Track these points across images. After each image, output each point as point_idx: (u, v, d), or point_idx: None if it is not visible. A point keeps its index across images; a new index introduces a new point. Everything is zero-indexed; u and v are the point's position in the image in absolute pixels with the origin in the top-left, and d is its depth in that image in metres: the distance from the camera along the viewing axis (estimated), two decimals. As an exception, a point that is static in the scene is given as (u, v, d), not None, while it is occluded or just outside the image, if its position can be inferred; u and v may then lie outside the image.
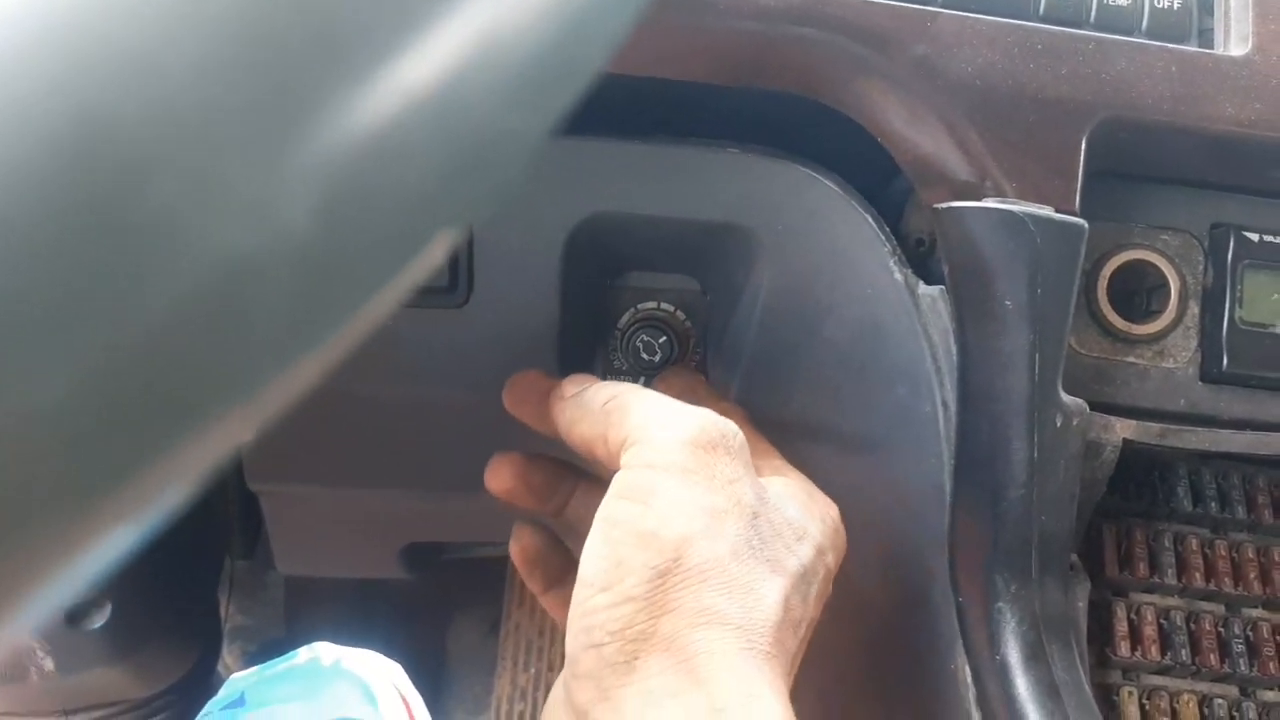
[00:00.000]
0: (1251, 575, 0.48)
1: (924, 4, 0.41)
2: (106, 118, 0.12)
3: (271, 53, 0.13)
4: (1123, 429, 0.44)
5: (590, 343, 0.52)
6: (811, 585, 0.36)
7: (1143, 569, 0.48)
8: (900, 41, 0.40)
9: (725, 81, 0.42)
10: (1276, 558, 0.49)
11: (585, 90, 0.17)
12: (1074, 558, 0.45)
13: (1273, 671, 0.46)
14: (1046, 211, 0.41)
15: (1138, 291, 0.46)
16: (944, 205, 0.42)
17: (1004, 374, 0.41)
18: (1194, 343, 0.46)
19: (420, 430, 0.55)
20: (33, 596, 0.15)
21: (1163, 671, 0.46)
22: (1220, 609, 0.48)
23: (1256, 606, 0.48)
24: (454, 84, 0.15)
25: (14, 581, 0.14)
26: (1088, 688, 0.42)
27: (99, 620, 0.64)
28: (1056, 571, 0.43)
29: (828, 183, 0.45)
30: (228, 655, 0.91)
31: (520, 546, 0.45)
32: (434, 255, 0.16)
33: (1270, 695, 0.47)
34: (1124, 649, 0.46)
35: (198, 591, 0.79)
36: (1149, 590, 0.48)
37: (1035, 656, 0.41)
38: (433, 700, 0.55)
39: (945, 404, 0.43)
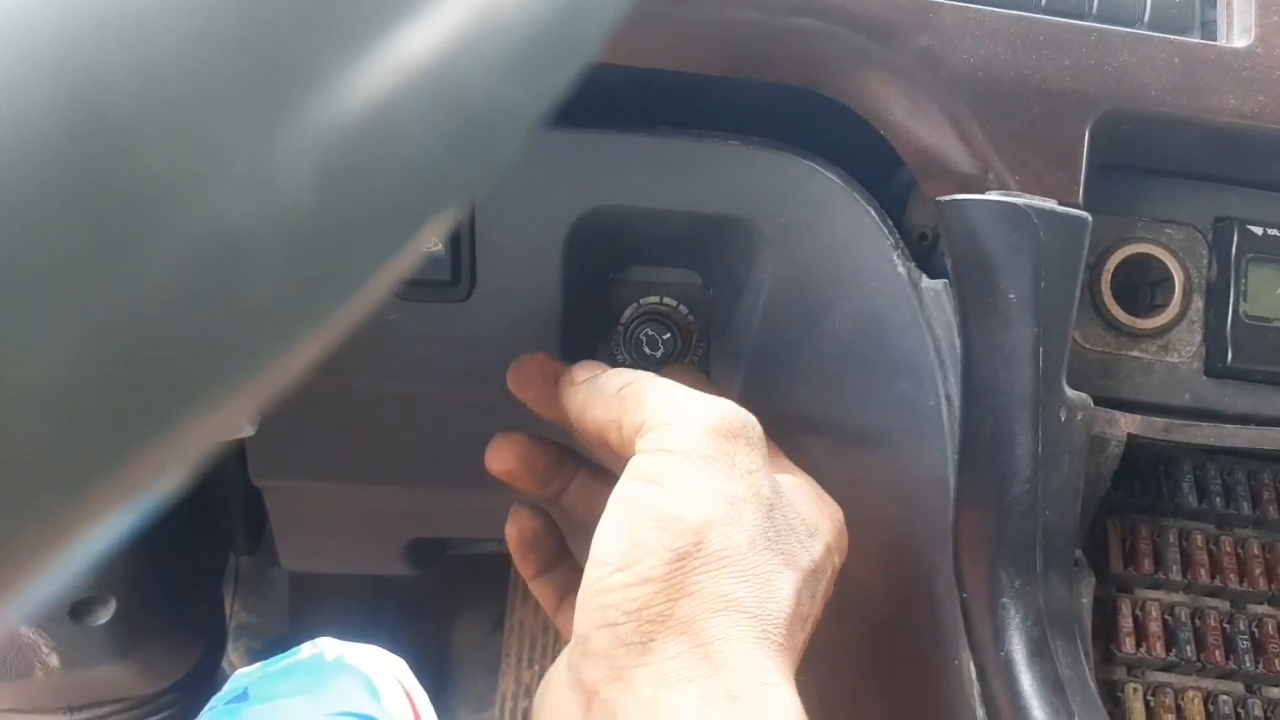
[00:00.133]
0: (1257, 571, 0.48)
1: (926, -4, 0.41)
2: (98, 85, 0.12)
3: (267, 21, 0.13)
4: (1127, 424, 0.44)
5: (593, 337, 0.52)
6: (820, 582, 0.36)
7: (1147, 565, 0.47)
8: (902, 33, 0.40)
9: (727, 73, 0.42)
10: (1282, 553, 0.49)
11: (585, 66, 0.17)
12: (1078, 553, 0.45)
13: (1278, 668, 0.46)
14: (1050, 204, 0.40)
15: (1141, 285, 0.46)
16: (946, 198, 0.42)
17: (1008, 368, 0.41)
18: (1198, 337, 0.46)
19: (423, 425, 0.55)
20: (29, 580, 0.15)
21: (1168, 668, 0.46)
22: (1225, 605, 0.48)
23: (1262, 603, 0.48)
24: (453, 55, 0.15)
25: (9, 564, 0.14)
26: (1092, 684, 0.41)
27: (104, 616, 0.64)
28: (1061, 567, 0.43)
29: (830, 176, 0.44)
30: (232, 652, 0.91)
31: (517, 528, 0.45)
32: (432, 232, 0.16)
33: (1276, 692, 0.46)
34: (1129, 645, 0.46)
35: (202, 588, 0.79)
36: (1154, 586, 0.48)
37: (1040, 652, 0.41)
38: (437, 697, 0.55)
39: (948, 398, 0.43)
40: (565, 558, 0.46)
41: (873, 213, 0.44)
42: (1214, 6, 0.44)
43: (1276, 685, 0.47)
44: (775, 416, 0.45)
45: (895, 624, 0.49)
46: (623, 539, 0.33)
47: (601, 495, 0.44)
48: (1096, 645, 0.45)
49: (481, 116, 0.15)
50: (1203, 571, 0.48)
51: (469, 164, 0.16)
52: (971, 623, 0.43)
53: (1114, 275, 0.45)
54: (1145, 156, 0.44)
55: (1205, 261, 0.46)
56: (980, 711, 0.42)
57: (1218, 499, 0.50)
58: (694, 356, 0.52)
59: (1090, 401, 0.42)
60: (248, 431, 0.47)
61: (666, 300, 0.52)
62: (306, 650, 0.52)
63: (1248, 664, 0.46)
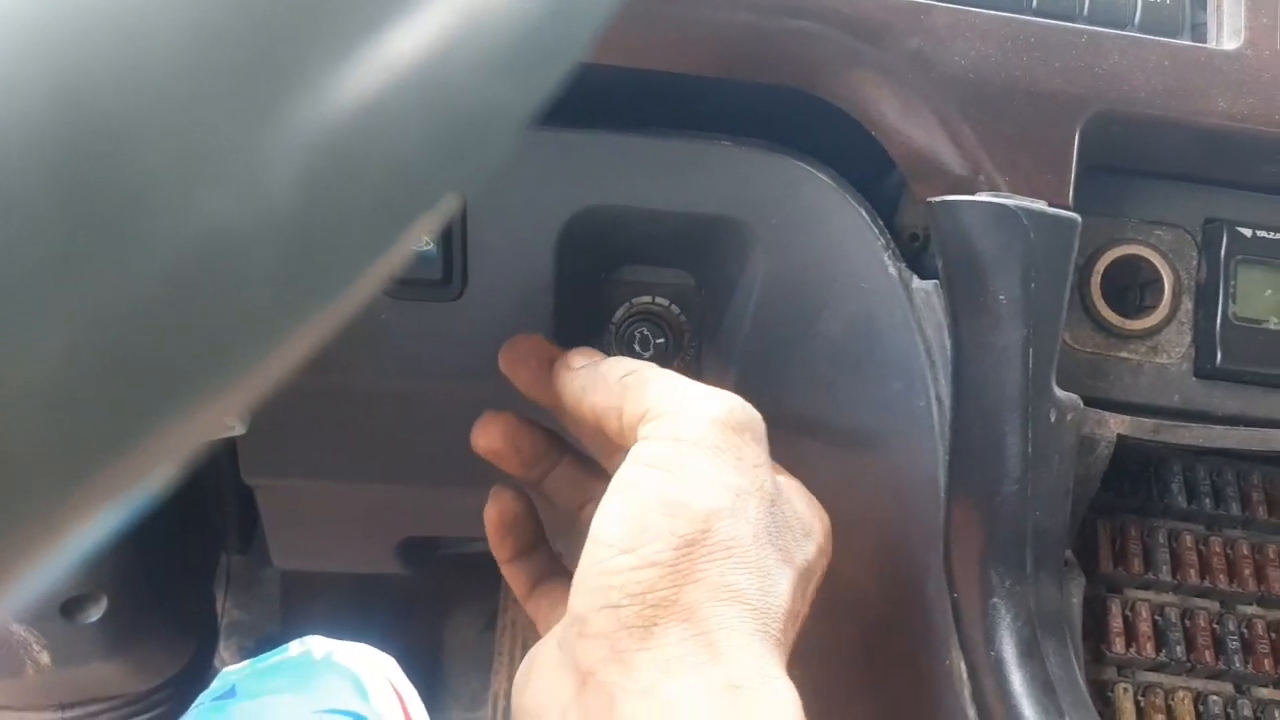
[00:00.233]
0: (1246, 572, 0.48)
1: (918, -3, 0.41)
2: (88, 84, 0.12)
3: (256, 20, 0.13)
4: (1117, 424, 0.44)
5: (585, 337, 0.52)
6: (810, 582, 0.37)
7: (1137, 565, 0.48)
8: (894, 34, 0.41)
9: (719, 74, 0.42)
10: (1271, 554, 0.49)
11: (575, 64, 0.17)
12: (1069, 553, 0.45)
13: (1267, 668, 0.46)
14: (1040, 205, 0.41)
15: (1131, 287, 0.46)
16: (937, 199, 0.42)
17: (998, 369, 0.41)
18: (1187, 338, 0.46)
19: (415, 424, 0.55)
20: (19, 576, 0.15)
21: (1158, 668, 0.46)
22: (1215, 605, 0.48)
23: (1251, 603, 0.48)
24: (442, 54, 0.15)
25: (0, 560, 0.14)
26: (1082, 684, 0.42)
27: (95, 614, 0.64)
28: (1051, 567, 0.43)
29: (822, 177, 0.45)
30: (224, 650, 0.91)
31: (498, 510, 0.44)
32: (421, 230, 0.16)
33: (1265, 692, 0.47)
34: (1119, 645, 0.46)
35: (194, 586, 0.79)
36: (1144, 586, 0.48)
37: (1030, 652, 0.41)
38: (429, 696, 0.55)
39: (939, 399, 0.43)
40: (541, 544, 0.45)
41: (864, 214, 0.44)
42: (1204, 9, 0.44)
43: (1266, 685, 0.47)
44: (767, 417, 0.45)
45: (887, 624, 0.49)
46: (628, 522, 0.33)
47: (585, 483, 0.44)
48: (1087, 645, 0.45)
49: (471, 115, 0.15)
50: (1192, 572, 0.48)
51: (458, 162, 0.16)
52: (962, 623, 0.43)
53: (1104, 276, 0.45)
54: (1135, 158, 0.44)
55: (1195, 263, 0.46)
56: (971, 711, 0.42)
57: (1207, 500, 0.50)
58: (686, 356, 0.53)
59: (1080, 402, 0.43)
60: (239, 430, 0.47)
61: (659, 300, 0.52)
62: (295, 648, 0.52)
63: (1237, 664, 0.46)
